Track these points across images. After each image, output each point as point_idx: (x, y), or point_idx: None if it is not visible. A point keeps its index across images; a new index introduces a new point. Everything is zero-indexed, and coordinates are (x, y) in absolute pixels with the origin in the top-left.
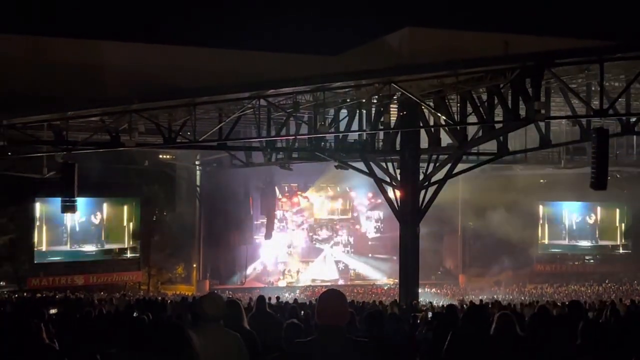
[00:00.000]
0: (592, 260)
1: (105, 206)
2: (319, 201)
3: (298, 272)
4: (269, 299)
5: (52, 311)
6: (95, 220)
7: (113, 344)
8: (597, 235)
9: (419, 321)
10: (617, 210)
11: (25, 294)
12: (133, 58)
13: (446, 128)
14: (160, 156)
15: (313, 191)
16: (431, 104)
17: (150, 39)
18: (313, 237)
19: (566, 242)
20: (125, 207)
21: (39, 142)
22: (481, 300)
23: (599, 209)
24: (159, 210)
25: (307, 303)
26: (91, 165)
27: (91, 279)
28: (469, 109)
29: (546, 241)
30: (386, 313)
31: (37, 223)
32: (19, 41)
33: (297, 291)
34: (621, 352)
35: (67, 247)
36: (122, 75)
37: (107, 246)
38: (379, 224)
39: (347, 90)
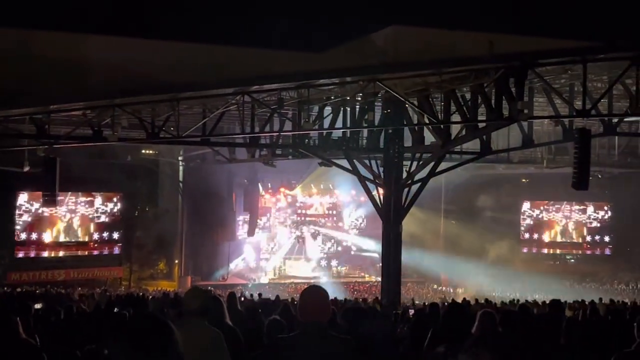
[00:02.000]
0: (572, 260)
1: (86, 202)
2: (302, 198)
3: (280, 268)
4: (251, 295)
5: (37, 306)
6: (77, 214)
7: (94, 340)
8: (578, 235)
9: (399, 318)
10: (599, 210)
11: (5, 289)
12: (116, 52)
13: (430, 127)
14: (143, 151)
15: (296, 188)
16: (415, 102)
17: (133, 33)
18: (296, 234)
19: (547, 240)
20: (107, 202)
21: (21, 135)
22: (464, 299)
23: (580, 208)
24: (141, 205)
25: (290, 300)
26: (73, 159)
27: (72, 274)
28: (453, 107)
29: (528, 240)
30: (369, 310)
31: (18, 217)
32: (0, 34)
33: (279, 287)
34: (601, 351)
35: (48, 241)
36: (105, 69)
37: (90, 246)
38: (361, 221)
39: (331, 87)
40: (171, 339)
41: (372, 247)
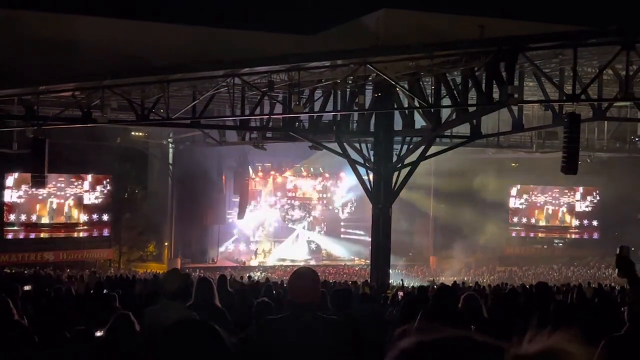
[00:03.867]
0: (560, 244)
1: (75, 183)
2: (292, 181)
3: (270, 251)
4: (241, 277)
5: (26, 288)
6: (66, 196)
7: (83, 321)
8: (566, 219)
9: (389, 301)
10: (587, 195)
11: None
12: (106, 33)
13: (420, 110)
14: (133, 133)
15: (286, 171)
16: (406, 86)
17: (124, 14)
18: (286, 217)
19: (536, 224)
20: (97, 184)
21: (9, 116)
22: (455, 282)
23: (569, 193)
24: (130, 187)
25: (279, 282)
26: (62, 141)
27: (61, 255)
28: (443, 91)
29: (516, 224)
30: (357, 293)
31: (7, 198)
32: None
33: (269, 270)
34: (589, 334)
35: (37, 222)
36: (95, 51)
37: (79, 228)
38: (351, 204)
39: (322, 70)
40: (223, 347)
41: (362, 230)
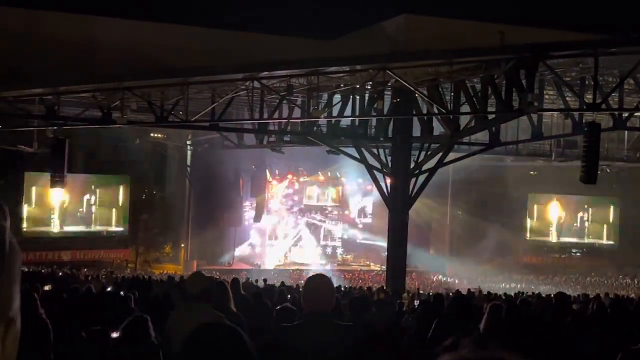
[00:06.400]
0: (578, 253)
1: (94, 183)
2: (309, 185)
3: (286, 255)
4: (256, 281)
5: (46, 287)
6: (84, 196)
7: (99, 321)
8: (584, 228)
9: (404, 308)
10: (605, 205)
11: None
12: (127, 35)
13: (439, 117)
14: (152, 135)
15: (303, 175)
16: (425, 92)
17: (145, 16)
18: (302, 221)
19: (553, 233)
20: (115, 185)
21: (30, 116)
22: (469, 290)
23: (587, 202)
24: (148, 189)
25: (294, 286)
26: (81, 141)
27: (78, 255)
28: (463, 98)
29: (534, 233)
30: (372, 299)
31: (26, 197)
32: (12, 14)
33: (284, 274)
34: (606, 345)
35: (55, 222)
36: (116, 52)
37: (96, 228)
38: (368, 210)
39: (341, 75)
40: (245, 349)
41: (378, 236)
